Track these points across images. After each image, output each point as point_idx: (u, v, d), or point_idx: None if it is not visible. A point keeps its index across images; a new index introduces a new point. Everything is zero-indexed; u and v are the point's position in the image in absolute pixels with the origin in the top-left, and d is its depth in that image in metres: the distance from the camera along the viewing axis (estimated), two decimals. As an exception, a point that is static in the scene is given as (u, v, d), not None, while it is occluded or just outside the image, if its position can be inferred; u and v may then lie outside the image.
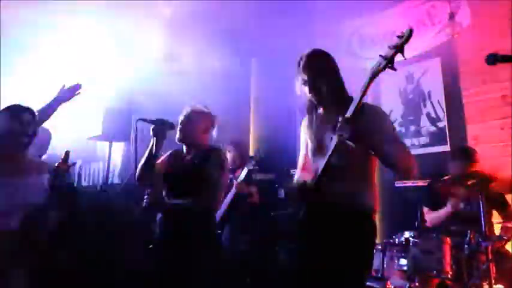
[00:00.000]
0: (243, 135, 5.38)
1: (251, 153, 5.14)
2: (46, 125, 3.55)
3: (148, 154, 2.59)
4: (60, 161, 2.48)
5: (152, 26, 4.29)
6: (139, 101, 4.39)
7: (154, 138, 2.56)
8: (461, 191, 3.30)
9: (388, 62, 1.77)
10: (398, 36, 1.75)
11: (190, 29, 4.31)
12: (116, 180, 5.50)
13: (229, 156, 4.26)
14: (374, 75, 1.82)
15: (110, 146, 4.70)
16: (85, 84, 3.10)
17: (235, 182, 3.93)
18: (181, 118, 2.70)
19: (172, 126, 2.63)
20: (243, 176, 3.93)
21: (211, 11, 4.40)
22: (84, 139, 4.95)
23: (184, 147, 2.73)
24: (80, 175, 5.74)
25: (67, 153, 2.48)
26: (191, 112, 2.71)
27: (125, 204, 3.89)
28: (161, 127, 2.57)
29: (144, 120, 2.59)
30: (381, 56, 1.79)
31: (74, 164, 2.74)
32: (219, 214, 3.94)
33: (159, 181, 2.63)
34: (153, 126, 2.57)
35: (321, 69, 2.04)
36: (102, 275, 3.41)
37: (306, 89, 2.05)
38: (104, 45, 4.24)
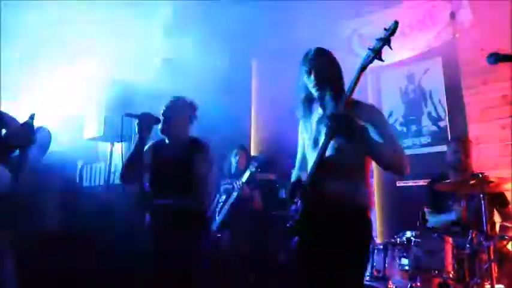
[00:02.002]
0: (244, 136, 5.38)
1: (252, 153, 5.15)
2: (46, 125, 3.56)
3: (133, 151, 2.50)
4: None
5: (152, 26, 4.29)
6: (140, 101, 4.39)
7: (138, 135, 2.48)
8: (463, 193, 3.30)
9: (376, 54, 1.82)
10: (385, 29, 1.83)
11: (191, 29, 4.31)
12: (117, 181, 5.50)
13: (234, 160, 4.27)
14: (363, 68, 1.87)
15: (111, 147, 4.70)
16: (85, 84, 3.07)
17: (237, 184, 3.92)
18: (163, 109, 2.64)
19: (158, 121, 2.57)
20: (246, 178, 3.91)
21: (211, 11, 4.40)
22: (85, 140, 4.96)
23: (166, 139, 2.67)
24: (81, 176, 5.74)
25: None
26: (171, 102, 2.66)
27: (126, 205, 3.89)
28: (146, 121, 2.49)
29: (130, 115, 2.52)
30: (369, 48, 1.86)
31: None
32: (220, 216, 3.94)
33: (144, 179, 2.57)
34: (137, 120, 2.49)
35: (327, 61, 2.07)
36: (101, 274, 3.41)
37: (310, 78, 2.05)
38: (104, 45, 4.24)
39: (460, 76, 4.26)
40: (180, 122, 2.64)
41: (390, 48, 1.81)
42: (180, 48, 4.49)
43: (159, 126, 2.60)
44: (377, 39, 1.83)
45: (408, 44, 4.26)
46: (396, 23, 1.80)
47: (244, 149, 4.38)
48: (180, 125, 2.64)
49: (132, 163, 2.51)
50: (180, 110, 2.65)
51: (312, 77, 2.04)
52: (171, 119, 2.61)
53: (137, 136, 2.50)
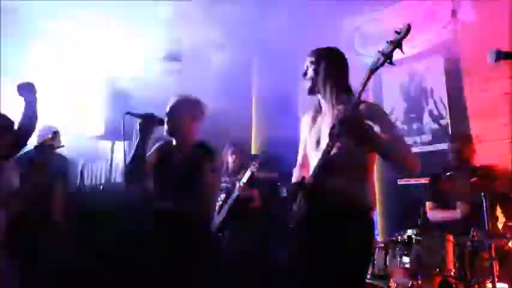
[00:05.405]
0: (244, 134, 5.37)
1: (252, 152, 5.13)
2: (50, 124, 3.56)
3: (134, 153, 2.40)
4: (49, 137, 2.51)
5: (152, 26, 4.28)
6: (140, 101, 4.39)
7: (140, 135, 2.38)
8: (466, 190, 3.28)
9: (387, 58, 1.77)
10: (396, 32, 1.76)
11: (191, 28, 4.31)
12: (118, 180, 5.51)
13: (230, 159, 4.25)
14: (373, 71, 1.83)
15: (112, 145, 4.71)
16: (85, 84, 3.07)
17: (237, 184, 3.89)
18: (167, 109, 2.54)
19: (161, 122, 2.45)
20: (246, 179, 3.88)
21: (211, 9, 4.39)
22: (86, 138, 4.96)
23: (173, 141, 2.59)
24: (82, 174, 5.75)
25: (55, 133, 2.51)
26: (177, 101, 2.54)
27: (127, 204, 3.89)
28: (148, 122, 2.39)
29: (132, 114, 2.41)
30: (379, 51, 1.80)
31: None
32: (220, 216, 3.93)
33: (148, 181, 2.51)
34: (139, 121, 2.39)
35: (327, 56, 2.05)
36: (100, 274, 3.41)
37: (309, 71, 2.06)
38: (105, 44, 4.24)
39: (461, 74, 4.25)
40: (186, 122, 2.53)
41: (402, 52, 1.75)
42: (180, 46, 4.49)
43: (164, 128, 2.51)
44: (387, 42, 1.77)
45: (409, 41, 4.25)
46: (409, 26, 1.74)
47: (238, 147, 4.34)
48: (185, 126, 2.53)
49: (134, 165, 2.41)
50: (185, 110, 2.53)
51: (312, 77, 2.04)
52: (175, 120, 2.50)
53: (138, 137, 2.40)
